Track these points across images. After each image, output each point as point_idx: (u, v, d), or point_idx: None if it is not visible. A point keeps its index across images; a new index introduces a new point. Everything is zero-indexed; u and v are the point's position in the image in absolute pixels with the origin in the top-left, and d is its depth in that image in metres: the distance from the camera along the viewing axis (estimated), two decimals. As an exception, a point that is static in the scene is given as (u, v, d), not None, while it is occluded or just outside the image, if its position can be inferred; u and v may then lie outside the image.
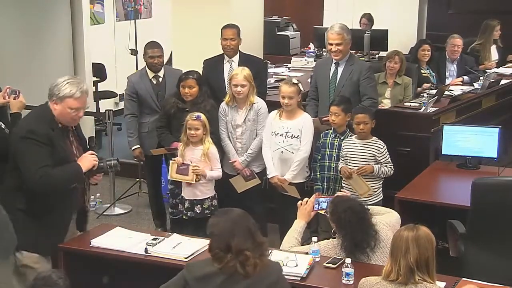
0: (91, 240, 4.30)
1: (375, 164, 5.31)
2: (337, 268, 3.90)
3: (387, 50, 7.95)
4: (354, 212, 3.99)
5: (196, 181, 5.31)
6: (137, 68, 8.56)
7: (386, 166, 5.33)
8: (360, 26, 9.49)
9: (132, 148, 6.29)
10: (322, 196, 4.57)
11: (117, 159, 4.40)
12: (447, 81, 7.81)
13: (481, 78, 7.53)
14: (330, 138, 5.55)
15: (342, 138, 5.50)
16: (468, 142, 5.70)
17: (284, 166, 5.57)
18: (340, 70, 5.85)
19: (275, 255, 3.95)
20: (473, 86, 7.51)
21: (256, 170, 5.75)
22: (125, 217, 6.89)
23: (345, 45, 5.79)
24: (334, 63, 5.87)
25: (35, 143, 4.02)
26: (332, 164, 5.53)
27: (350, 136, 5.49)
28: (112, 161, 4.36)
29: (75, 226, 4.48)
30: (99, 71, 9.30)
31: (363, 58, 8.49)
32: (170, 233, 4.45)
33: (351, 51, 6.06)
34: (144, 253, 4.16)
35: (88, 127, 7.78)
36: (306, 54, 9.30)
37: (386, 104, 6.70)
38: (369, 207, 4.29)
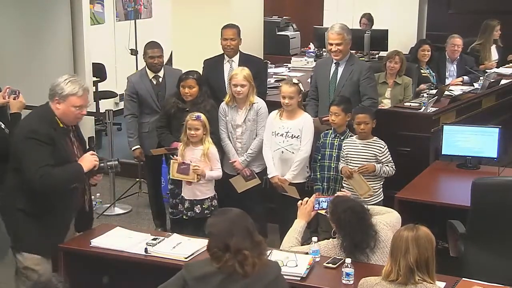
0: (91, 240, 4.30)
1: (376, 163, 5.32)
2: (337, 268, 3.90)
3: (387, 50, 7.96)
4: (354, 212, 3.99)
5: (197, 180, 5.31)
6: (137, 68, 8.56)
7: (387, 165, 5.34)
8: (360, 26, 9.49)
9: (132, 149, 6.29)
10: (322, 196, 4.57)
11: (118, 160, 4.41)
12: (447, 81, 7.81)
13: (481, 78, 7.53)
14: (330, 138, 5.55)
15: (342, 138, 5.50)
16: (468, 142, 5.70)
17: (285, 166, 5.57)
18: (340, 70, 5.84)
19: (275, 255, 3.95)
20: (473, 86, 7.51)
21: (256, 170, 5.75)
22: (125, 217, 6.89)
23: (345, 45, 5.79)
24: (334, 63, 5.87)
25: (37, 142, 4.01)
26: (332, 164, 5.53)
27: (350, 136, 5.49)
28: (113, 161, 4.37)
29: (73, 227, 4.48)
30: (99, 71, 9.30)
31: (363, 58, 8.49)
32: (170, 233, 4.45)
33: (351, 51, 6.05)
34: (144, 253, 4.16)
35: (88, 127, 7.79)
36: (306, 54, 9.30)
37: (386, 104, 6.70)
38: (369, 207, 4.30)
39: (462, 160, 5.75)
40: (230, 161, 5.79)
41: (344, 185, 5.42)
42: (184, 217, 5.48)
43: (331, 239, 4.16)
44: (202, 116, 5.35)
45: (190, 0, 6.92)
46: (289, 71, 8.37)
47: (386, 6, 9.80)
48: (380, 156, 5.34)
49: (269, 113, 5.69)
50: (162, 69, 6.29)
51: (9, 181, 4.21)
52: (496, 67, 8.43)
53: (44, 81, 4.74)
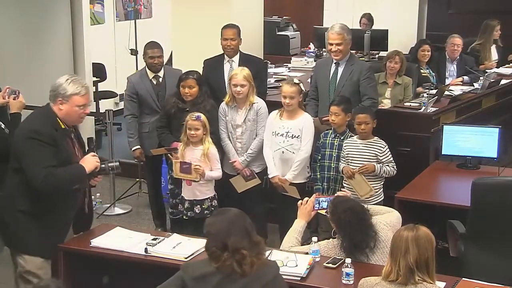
0: (91, 240, 4.29)
1: (376, 163, 5.32)
2: (337, 268, 3.90)
3: (387, 50, 7.96)
4: (354, 212, 3.99)
5: (198, 179, 5.31)
6: (137, 68, 8.56)
7: (388, 165, 5.34)
8: (360, 26, 9.49)
9: (133, 149, 6.29)
10: (322, 196, 4.57)
11: (119, 161, 4.41)
12: (447, 81, 7.81)
13: (481, 78, 7.53)
14: (330, 138, 5.55)
15: (342, 138, 5.50)
16: (468, 142, 5.70)
17: (285, 166, 5.57)
18: (340, 70, 5.84)
19: (275, 255, 3.95)
20: (473, 86, 7.51)
21: (256, 170, 5.75)
22: (125, 217, 6.89)
23: (345, 45, 5.79)
24: (334, 63, 5.87)
25: (39, 143, 4.01)
26: (332, 164, 5.53)
27: (350, 136, 5.49)
28: (114, 163, 4.36)
29: (71, 228, 4.47)
30: (99, 71, 9.30)
31: (363, 58, 8.49)
32: (170, 233, 4.45)
33: (351, 51, 6.05)
34: (144, 253, 4.16)
35: (88, 127, 7.78)
36: (306, 54, 9.30)
37: (386, 104, 6.70)
38: (369, 206, 4.30)
39: (462, 160, 5.75)
40: (230, 161, 5.80)
41: (344, 185, 5.42)
42: (184, 217, 5.48)
43: (331, 239, 4.17)
44: (202, 116, 5.35)
45: (190, 0, 6.92)
46: (289, 71, 8.37)
47: (386, 6, 9.80)
48: (381, 156, 5.34)
49: (269, 113, 5.69)
50: (162, 69, 6.29)
51: (9, 181, 4.20)
52: (496, 67, 8.43)
53: (44, 81, 4.75)
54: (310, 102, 5.98)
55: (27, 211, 4.12)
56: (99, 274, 4.41)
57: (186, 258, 4.04)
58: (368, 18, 9.55)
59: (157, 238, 4.29)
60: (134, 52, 9.39)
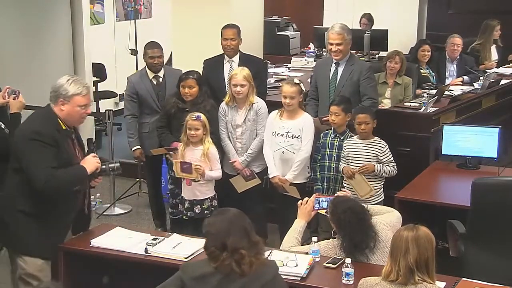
0: (91, 240, 4.29)
1: (377, 163, 5.32)
2: (337, 268, 3.90)
3: (387, 50, 7.96)
4: (354, 213, 3.99)
5: (198, 179, 5.31)
6: (137, 68, 8.56)
7: (388, 165, 5.34)
8: (360, 26, 9.49)
9: (133, 149, 6.29)
10: (322, 196, 4.57)
11: (119, 162, 4.40)
12: (447, 81, 7.81)
13: (481, 78, 7.53)
14: (330, 138, 5.55)
15: (342, 138, 5.50)
16: (468, 142, 5.70)
17: (285, 166, 5.57)
18: (340, 70, 5.84)
19: (275, 255, 3.95)
20: (473, 86, 7.51)
21: (256, 170, 5.75)
22: (125, 217, 6.89)
23: (345, 45, 5.79)
24: (334, 63, 5.87)
25: (41, 144, 4.00)
26: (332, 164, 5.53)
27: (350, 136, 5.49)
28: (115, 164, 4.36)
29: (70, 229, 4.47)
30: (99, 71, 9.30)
31: (363, 58, 8.49)
32: (170, 233, 4.45)
33: (351, 51, 6.05)
34: (144, 253, 4.15)
35: (88, 127, 7.78)
36: (306, 54, 9.30)
37: (386, 104, 6.70)
38: (369, 206, 4.29)
39: (462, 160, 5.75)
40: (230, 161, 5.80)
41: (344, 185, 5.42)
42: (184, 217, 5.48)
43: (331, 239, 4.16)
44: (202, 116, 5.35)
45: (190, 0, 6.92)
46: (289, 71, 8.37)
47: (386, 6, 9.79)
48: (381, 156, 5.34)
49: (269, 113, 5.69)
50: (162, 69, 6.29)
51: (9, 182, 4.19)
52: (496, 67, 8.43)
53: (44, 81, 4.75)
54: (310, 102, 5.98)
55: (27, 212, 4.11)
56: (99, 274, 4.40)
57: (186, 258, 4.04)
58: (368, 18, 9.55)
59: (157, 238, 4.29)
60: (134, 52, 9.39)
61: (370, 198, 5.28)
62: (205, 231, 3.31)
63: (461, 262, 4.49)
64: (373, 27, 9.28)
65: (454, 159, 5.80)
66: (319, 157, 5.59)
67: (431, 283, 3.29)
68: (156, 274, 3.85)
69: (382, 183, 5.41)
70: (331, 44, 5.80)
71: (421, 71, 7.50)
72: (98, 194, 7.00)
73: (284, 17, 9.94)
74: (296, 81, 5.59)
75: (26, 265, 4.17)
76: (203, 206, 5.41)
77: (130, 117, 6.26)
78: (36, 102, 4.76)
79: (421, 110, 6.22)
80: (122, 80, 7.29)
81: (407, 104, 6.48)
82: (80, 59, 8.29)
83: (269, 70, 7.69)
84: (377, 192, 5.36)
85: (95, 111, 8.94)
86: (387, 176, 5.36)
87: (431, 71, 7.66)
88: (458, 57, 7.92)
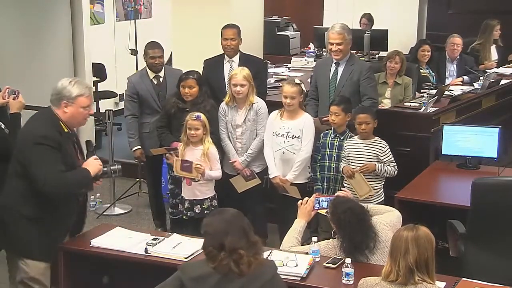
0: (91, 240, 4.29)
1: (377, 163, 5.32)
2: (337, 268, 3.90)
3: (387, 50, 7.96)
4: (353, 213, 3.99)
5: (198, 179, 5.31)
6: (137, 68, 8.57)
7: (389, 165, 5.34)
8: (360, 26, 9.49)
9: (133, 149, 6.28)
10: (322, 195, 4.57)
11: (120, 164, 4.40)
12: (447, 81, 7.81)
13: (481, 78, 7.53)
14: (330, 138, 5.55)
15: (342, 138, 5.50)
16: (468, 142, 5.70)
17: (286, 166, 5.57)
18: (340, 70, 5.84)
19: (275, 255, 3.95)
20: (473, 86, 7.51)
21: (256, 170, 5.75)
22: (125, 217, 6.89)
23: (345, 45, 5.79)
24: (335, 63, 5.87)
25: (47, 148, 3.97)
26: (332, 164, 5.53)
27: (350, 136, 5.49)
28: (116, 166, 4.36)
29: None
30: (99, 71, 9.30)
31: (363, 58, 8.50)
32: (170, 233, 4.45)
33: (351, 51, 6.05)
34: (144, 253, 4.15)
35: (88, 127, 7.79)
36: (306, 54, 9.30)
37: (386, 104, 6.70)
38: (369, 206, 4.30)
39: (462, 160, 5.75)
40: (230, 161, 5.79)
41: (344, 185, 5.42)
42: (184, 217, 5.48)
43: (331, 239, 4.16)
44: (202, 116, 5.35)
45: (190, 0, 6.92)
46: (289, 71, 8.37)
47: (386, 6, 9.80)
48: (382, 156, 5.34)
49: (269, 113, 5.69)
50: (163, 69, 6.29)
51: (11, 186, 4.14)
52: (496, 67, 8.43)
53: (44, 81, 4.75)
54: (310, 102, 5.98)
55: (30, 216, 4.08)
56: (99, 274, 4.41)
57: (186, 258, 4.04)
58: (368, 18, 9.55)
59: (157, 238, 4.29)
60: (134, 52, 9.39)
61: (371, 198, 5.28)
62: (203, 231, 3.31)
63: (461, 262, 4.49)
64: (373, 27, 9.28)
65: (454, 159, 5.80)
66: (319, 157, 5.59)
67: (431, 283, 3.29)
68: (156, 274, 3.85)
69: (383, 183, 5.41)
70: (332, 43, 5.80)
71: (421, 71, 7.50)
72: (98, 194, 7.00)
73: (284, 17, 9.95)
74: (297, 81, 5.59)
75: (28, 269, 4.15)
76: (203, 206, 5.41)
77: (131, 117, 6.26)
78: (36, 102, 4.76)
79: (421, 110, 6.21)
80: (122, 80, 7.30)
81: (407, 104, 6.48)
82: (80, 59, 8.30)
83: (269, 70, 7.69)
84: (377, 192, 5.36)
85: (95, 111, 8.94)
86: (387, 176, 5.36)
87: (431, 71, 7.66)
88: (458, 57, 7.93)
